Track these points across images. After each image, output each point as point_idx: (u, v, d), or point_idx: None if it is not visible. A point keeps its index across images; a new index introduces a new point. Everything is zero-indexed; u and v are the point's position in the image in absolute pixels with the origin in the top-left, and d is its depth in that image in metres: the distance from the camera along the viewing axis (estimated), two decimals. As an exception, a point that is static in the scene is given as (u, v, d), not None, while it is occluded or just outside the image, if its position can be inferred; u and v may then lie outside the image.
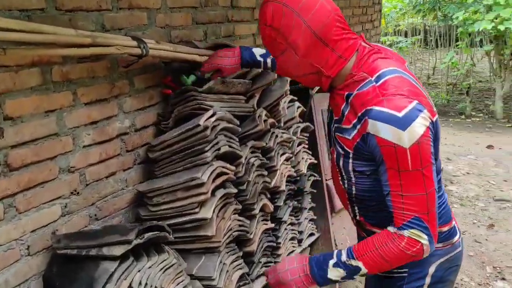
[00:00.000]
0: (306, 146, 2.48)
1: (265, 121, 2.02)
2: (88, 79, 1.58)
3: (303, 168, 2.38)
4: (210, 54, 1.87)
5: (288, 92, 2.17)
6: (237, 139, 1.88)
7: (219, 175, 1.76)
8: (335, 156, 1.31)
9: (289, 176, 2.25)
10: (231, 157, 1.85)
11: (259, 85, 2.03)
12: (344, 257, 1.22)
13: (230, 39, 2.30)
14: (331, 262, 1.23)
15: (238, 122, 1.88)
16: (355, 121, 1.19)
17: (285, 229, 2.29)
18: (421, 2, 7.76)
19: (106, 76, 1.65)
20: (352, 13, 3.75)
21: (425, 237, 1.15)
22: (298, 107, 2.33)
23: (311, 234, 2.60)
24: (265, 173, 2.05)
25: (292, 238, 2.37)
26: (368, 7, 4.05)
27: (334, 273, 1.22)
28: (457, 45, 7.95)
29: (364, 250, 1.21)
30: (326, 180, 2.68)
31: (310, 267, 1.26)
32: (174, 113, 1.84)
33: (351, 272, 1.22)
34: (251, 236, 1.94)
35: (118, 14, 1.67)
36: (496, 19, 6.20)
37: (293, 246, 2.38)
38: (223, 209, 1.81)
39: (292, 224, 2.37)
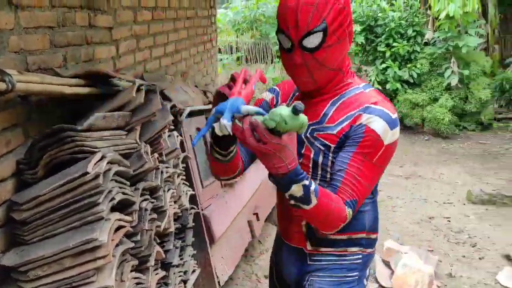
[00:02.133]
0: (184, 178, 2.29)
1: (151, 157, 1.78)
2: None
3: (186, 202, 2.19)
4: (81, 84, 1.55)
5: (171, 123, 1.96)
6: (129, 184, 1.60)
7: (116, 230, 1.46)
8: (312, 155, 1.27)
9: (174, 213, 2.04)
10: (123, 205, 1.56)
11: (140, 116, 1.78)
12: (312, 188, 1.11)
13: (90, 64, 1.97)
14: (305, 182, 1.10)
15: (128, 164, 1.60)
16: (342, 118, 1.23)
17: (174, 273, 2.06)
18: (239, 22, 8.18)
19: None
20: (195, 33, 3.68)
21: (349, 218, 1.21)
22: (177, 136, 2.13)
23: (193, 271, 2.41)
24: (155, 216, 1.80)
25: (180, 282, 2.15)
26: (207, 27, 4.04)
27: (296, 189, 1.09)
28: (278, 61, 8.60)
29: (326, 197, 1.15)
30: (202, 210, 2.53)
31: (296, 166, 1.08)
32: (44, 159, 1.47)
33: (303, 200, 1.11)
34: (148, 292, 1.67)
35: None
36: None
37: (178, 288, 2.16)
38: (120, 269, 1.51)
39: (178, 265, 2.15)
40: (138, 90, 1.78)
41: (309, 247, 1.37)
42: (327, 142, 1.25)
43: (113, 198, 1.45)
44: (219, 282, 2.55)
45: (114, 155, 1.50)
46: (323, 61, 1.18)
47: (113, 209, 1.49)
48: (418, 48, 7.14)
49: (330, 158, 1.25)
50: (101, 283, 1.36)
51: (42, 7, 1.61)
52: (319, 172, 1.29)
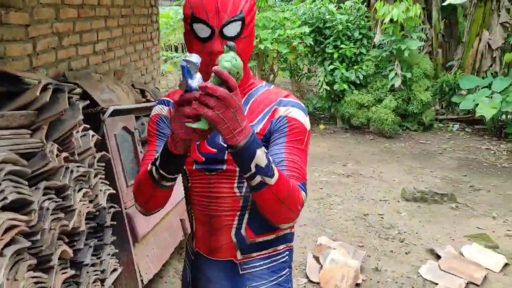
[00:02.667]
0: (103, 177, 2.30)
1: (57, 156, 1.78)
2: None
3: (103, 201, 2.20)
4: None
5: (82, 122, 1.97)
6: (27, 183, 1.60)
7: (8, 229, 1.46)
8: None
9: (88, 213, 2.04)
10: (20, 204, 1.56)
11: (46, 115, 1.78)
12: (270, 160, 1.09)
13: (1, 62, 1.95)
14: (263, 149, 1.06)
15: (26, 163, 1.60)
16: (260, 116, 1.24)
17: (87, 272, 2.06)
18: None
19: None
20: (132, 31, 3.66)
21: (305, 202, 1.20)
22: (93, 135, 2.13)
23: (114, 270, 2.42)
24: (62, 215, 1.81)
25: (95, 281, 2.16)
26: (147, 25, 4.03)
27: (261, 155, 1.04)
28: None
29: (281, 173, 1.11)
30: (126, 209, 2.54)
31: (253, 132, 1.04)
32: None
33: (268, 171, 1.06)
34: (51, 291, 1.68)
35: None
36: (257, 38, 7.00)
37: (95, 286, 2.17)
38: (14, 269, 1.51)
39: (93, 265, 2.16)
40: (45, 89, 1.78)
41: (239, 257, 1.32)
42: None
43: (5, 198, 1.46)
44: (142, 280, 2.57)
45: (8, 154, 1.51)
46: (240, 52, 1.15)
47: (7, 208, 1.49)
48: (364, 51, 7.35)
49: None
50: (-11, 282, 1.37)
51: None
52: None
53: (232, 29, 1.16)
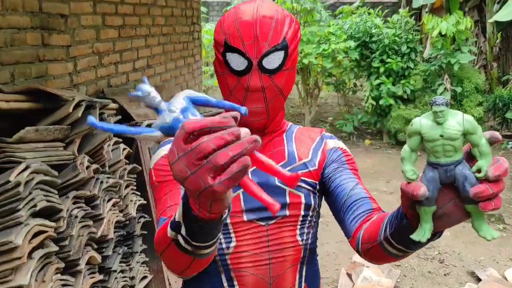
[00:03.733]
0: (135, 188, 2.42)
1: (87, 167, 1.92)
2: None
3: (132, 211, 2.32)
4: (21, 99, 1.70)
5: (112, 135, 2.11)
6: (56, 192, 1.74)
7: (37, 234, 1.59)
8: (303, 200, 1.05)
9: (117, 222, 2.17)
10: (50, 212, 1.70)
11: (78, 130, 1.92)
12: None
13: (42, 80, 2.13)
14: None
15: (56, 173, 1.74)
16: (311, 150, 1.11)
17: (115, 278, 2.18)
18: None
19: None
20: (173, 49, 3.84)
21: None
22: (124, 149, 2.27)
23: (144, 277, 2.53)
24: (90, 223, 1.93)
25: (123, 286, 2.27)
26: (188, 42, 4.20)
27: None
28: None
29: None
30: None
31: None
32: (-24, 168, 1.62)
33: None
34: (78, 294, 1.80)
35: None
36: (301, 53, 7.06)
37: (126, 293, 2.29)
38: (43, 271, 1.64)
39: (122, 271, 2.27)
40: (78, 105, 1.93)
41: None
42: (312, 180, 1.08)
43: (35, 205, 1.59)
44: (171, 288, 2.66)
45: (39, 165, 1.64)
46: (282, 87, 1.01)
47: (38, 215, 1.63)
48: (412, 65, 7.20)
49: (317, 196, 1.09)
50: (17, 282, 1.49)
51: (-13, 29, 1.78)
52: (309, 218, 1.08)
53: (272, 61, 0.98)
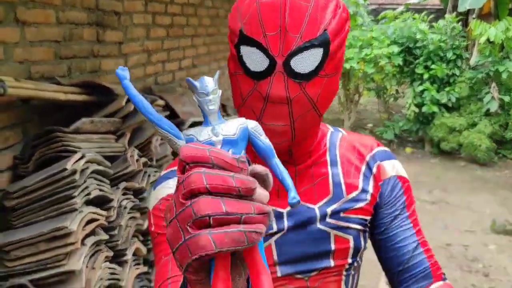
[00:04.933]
0: (179, 183, 2.46)
1: (137, 160, 1.96)
2: None
3: (176, 206, 2.35)
4: (76, 91, 1.76)
5: (161, 131, 2.15)
6: (108, 182, 1.79)
7: (89, 221, 1.64)
8: (352, 244, 0.84)
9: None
10: (102, 201, 1.75)
11: (129, 123, 1.97)
12: None
13: (96, 75, 2.20)
14: None
15: (109, 164, 1.79)
16: (360, 178, 0.86)
17: (159, 270, 2.21)
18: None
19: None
20: (217, 49, 3.89)
21: None
22: (170, 144, 2.31)
23: None
24: (138, 215, 1.97)
25: (166, 279, 2.30)
26: (232, 44, 4.25)
27: None
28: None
29: None
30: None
31: None
32: (35, 156, 1.68)
33: None
34: (123, 284, 1.83)
35: (-33, 47, 1.49)
36: (342, 58, 7.00)
37: None
38: (93, 258, 1.69)
39: (165, 264, 2.30)
40: (130, 100, 1.97)
41: None
42: (363, 217, 0.85)
43: (88, 193, 1.64)
44: (210, 285, 2.68)
45: (94, 155, 1.70)
46: (316, 99, 0.71)
47: (90, 203, 1.68)
48: (457, 72, 7.00)
49: (367, 234, 0.88)
50: (70, 266, 1.54)
51: (49, 24, 1.85)
52: (356, 263, 0.88)
53: (305, 61, 0.68)
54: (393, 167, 0.89)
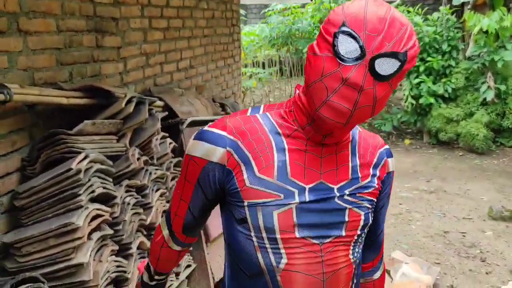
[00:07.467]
0: (179, 180, 2.56)
1: (138, 159, 2.06)
2: None
3: (178, 202, 2.45)
4: (78, 96, 1.86)
5: (160, 130, 2.25)
6: (111, 180, 1.89)
7: (95, 217, 1.74)
8: (362, 219, 1.01)
9: (164, 211, 2.30)
10: (106, 198, 1.85)
11: (130, 124, 2.07)
12: None
13: (96, 79, 2.30)
14: None
15: (111, 163, 1.89)
16: (372, 167, 1.04)
17: (163, 263, 2.31)
18: (275, 37, 8.50)
19: (-37, 123, 1.54)
20: (214, 50, 3.98)
21: None
22: (170, 143, 2.41)
23: (188, 266, 2.66)
24: (141, 210, 2.08)
25: (171, 272, 2.40)
26: (228, 44, 4.33)
27: None
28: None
29: None
30: (199, 211, 2.78)
31: None
32: (41, 157, 1.79)
33: None
34: (129, 276, 1.94)
35: (-25, 58, 1.59)
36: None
37: (171, 280, 2.42)
38: (100, 252, 1.79)
39: (169, 258, 2.40)
40: (130, 102, 2.08)
41: None
42: (373, 198, 1.03)
43: (93, 191, 1.74)
44: (213, 277, 2.78)
45: (97, 155, 1.80)
46: (378, 99, 0.87)
47: (95, 200, 1.78)
48: (453, 63, 7.07)
49: (372, 213, 1.06)
50: (78, 260, 1.65)
51: (49, 32, 1.95)
52: (363, 236, 1.04)
53: (386, 66, 0.84)
54: (392, 164, 1.08)
